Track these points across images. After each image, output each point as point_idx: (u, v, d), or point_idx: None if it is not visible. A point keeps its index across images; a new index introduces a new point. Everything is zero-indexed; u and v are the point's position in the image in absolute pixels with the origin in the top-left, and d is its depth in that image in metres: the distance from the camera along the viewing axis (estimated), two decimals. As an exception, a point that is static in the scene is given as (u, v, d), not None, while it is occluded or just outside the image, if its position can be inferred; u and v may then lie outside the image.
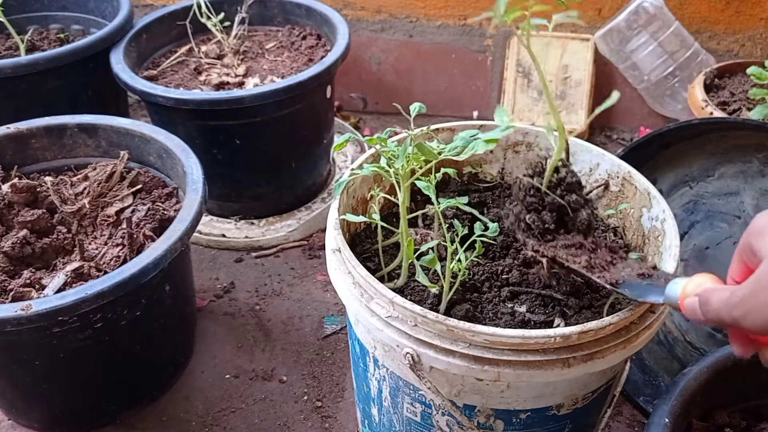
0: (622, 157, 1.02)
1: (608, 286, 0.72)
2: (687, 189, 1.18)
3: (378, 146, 0.79)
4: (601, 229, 0.94)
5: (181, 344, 1.26)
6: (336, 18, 1.56)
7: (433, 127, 0.95)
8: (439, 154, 0.79)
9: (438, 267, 0.77)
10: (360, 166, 0.85)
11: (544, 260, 0.78)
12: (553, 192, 0.79)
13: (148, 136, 1.23)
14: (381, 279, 0.80)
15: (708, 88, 1.53)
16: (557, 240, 0.79)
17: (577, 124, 1.77)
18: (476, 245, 0.76)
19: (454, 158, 0.79)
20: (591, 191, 0.95)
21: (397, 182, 0.78)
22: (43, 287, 1.04)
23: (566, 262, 0.75)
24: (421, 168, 0.78)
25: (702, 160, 1.16)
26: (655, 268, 0.75)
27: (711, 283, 0.61)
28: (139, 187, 1.22)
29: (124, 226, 1.10)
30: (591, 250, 0.77)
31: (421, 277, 0.77)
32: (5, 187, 1.16)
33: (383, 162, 0.80)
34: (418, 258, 0.78)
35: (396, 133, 0.88)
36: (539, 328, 0.77)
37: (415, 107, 0.82)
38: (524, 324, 0.78)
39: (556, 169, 0.79)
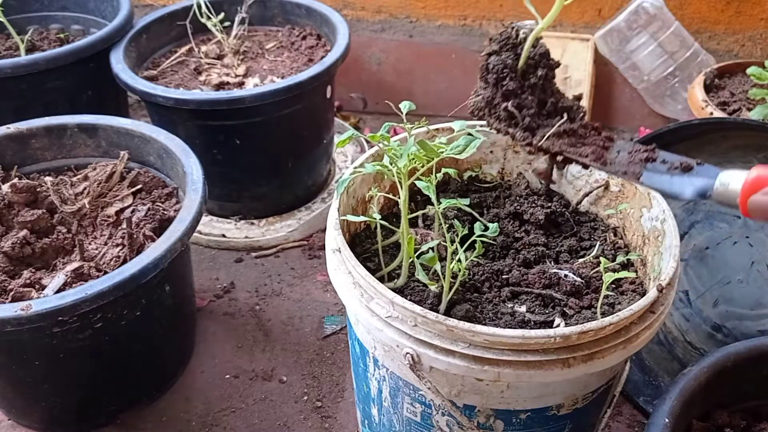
0: (622, 157, 1.02)
1: (636, 183, 0.64)
2: (687, 189, 1.18)
3: (381, 144, 0.79)
4: (601, 230, 0.94)
5: (181, 344, 1.26)
6: (336, 18, 1.56)
7: (433, 127, 0.95)
8: (441, 152, 0.79)
9: (438, 267, 0.77)
10: (362, 165, 0.85)
11: (545, 157, 0.69)
12: (532, 72, 0.68)
13: (148, 136, 1.23)
14: (381, 279, 0.80)
15: (708, 88, 1.52)
16: (543, 128, 0.68)
17: (577, 124, 1.77)
18: (476, 245, 0.76)
19: (456, 156, 0.79)
20: (591, 191, 0.95)
21: (399, 181, 0.78)
22: (43, 287, 1.04)
23: (577, 157, 0.64)
24: (423, 166, 0.79)
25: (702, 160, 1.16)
26: (654, 150, 0.66)
27: None
28: (139, 187, 1.22)
29: (124, 226, 1.10)
30: (583, 136, 0.68)
31: (421, 275, 0.77)
32: (5, 187, 1.16)
33: (386, 160, 0.80)
34: (418, 257, 0.78)
35: (395, 130, 0.88)
36: (539, 328, 0.77)
37: (405, 105, 0.83)
38: (524, 324, 0.78)
39: (534, 44, 0.66)
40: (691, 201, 0.60)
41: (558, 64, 0.74)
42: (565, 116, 0.69)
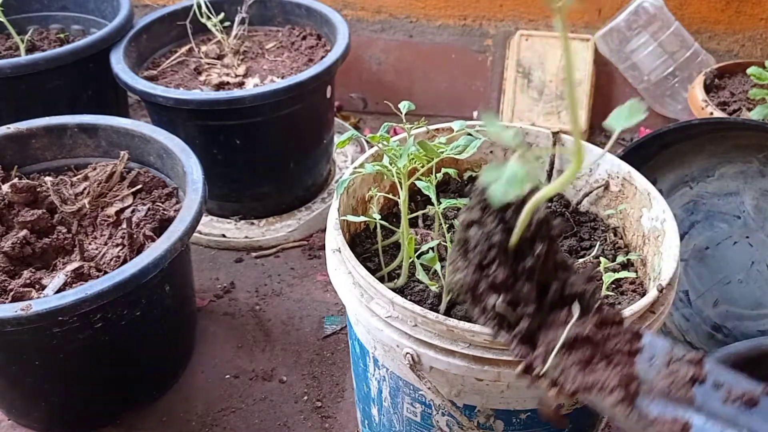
0: (622, 157, 1.02)
1: None
2: (687, 189, 1.19)
3: (380, 144, 0.79)
4: (601, 230, 0.94)
5: (181, 344, 1.26)
6: (336, 18, 1.56)
7: (433, 127, 0.95)
8: (441, 152, 0.79)
9: (438, 267, 0.77)
10: (362, 165, 0.85)
11: (552, 392, 0.49)
12: (529, 248, 0.49)
13: (148, 136, 1.23)
14: (381, 279, 0.80)
15: (708, 88, 1.53)
16: (546, 330, 0.49)
17: (577, 124, 1.77)
18: (476, 245, 0.76)
19: (456, 156, 0.79)
20: (591, 191, 0.95)
21: (399, 181, 0.78)
22: (43, 287, 1.04)
23: (596, 394, 0.46)
24: (423, 166, 0.79)
25: (702, 160, 1.16)
26: (701, 362, 0.50)
27: None
28: (139, 187, 1.22)
29: (124, 226, 1.10)
30: (602, 342, 0.48)
31: (422, 275, 0.77)
32: (5, 187, 1.16)
33: (385, 160, 0.80)
34: (418, 257, 0.78)
35: (395, 130, 0.88)
36: (539, 328, 0.77)
37: (404, 105, 0.83)
38: (524, 324, 0.78)
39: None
40: None
41: (563, 230, 0.54)
42: (576, 309, 0.50)
